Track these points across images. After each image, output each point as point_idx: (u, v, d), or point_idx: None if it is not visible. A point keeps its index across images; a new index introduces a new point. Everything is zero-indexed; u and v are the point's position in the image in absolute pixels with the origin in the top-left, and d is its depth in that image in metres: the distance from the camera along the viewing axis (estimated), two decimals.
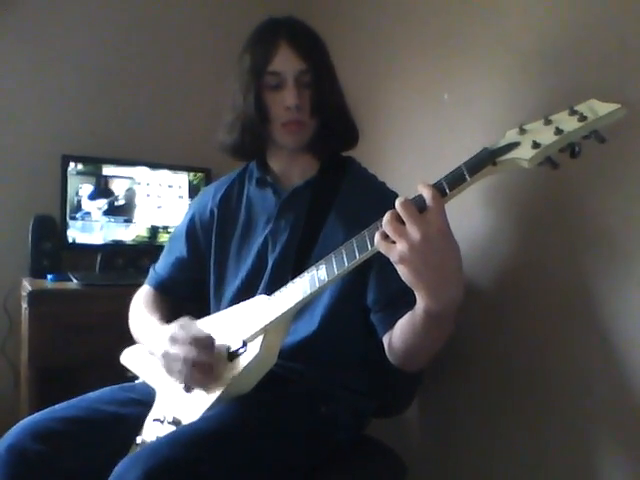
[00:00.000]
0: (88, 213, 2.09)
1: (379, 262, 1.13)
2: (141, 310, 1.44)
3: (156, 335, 1.27)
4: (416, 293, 0.95)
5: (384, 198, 1.28)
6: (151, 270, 1.54)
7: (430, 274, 0.90)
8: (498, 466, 1.49)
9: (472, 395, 1.57)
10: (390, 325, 1.19)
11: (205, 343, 1.16)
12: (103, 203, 2.11)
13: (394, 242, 0.90)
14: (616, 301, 1.24)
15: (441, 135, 1.69)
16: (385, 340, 1.22)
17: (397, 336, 1.15)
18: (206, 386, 1.18)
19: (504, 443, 1.48)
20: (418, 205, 0.90)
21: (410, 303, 1.01)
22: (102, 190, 2.12)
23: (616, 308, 1.24)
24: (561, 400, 1.34)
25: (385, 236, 0.92)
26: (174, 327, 1.21)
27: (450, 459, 1.64)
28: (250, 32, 1.35)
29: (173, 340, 1.18)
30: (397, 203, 0.90)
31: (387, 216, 0.91)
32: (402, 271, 0.91)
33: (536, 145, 0.81)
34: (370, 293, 1.26)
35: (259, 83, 1.29)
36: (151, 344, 1.28)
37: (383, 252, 0.92)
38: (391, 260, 0.92)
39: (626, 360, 1.22)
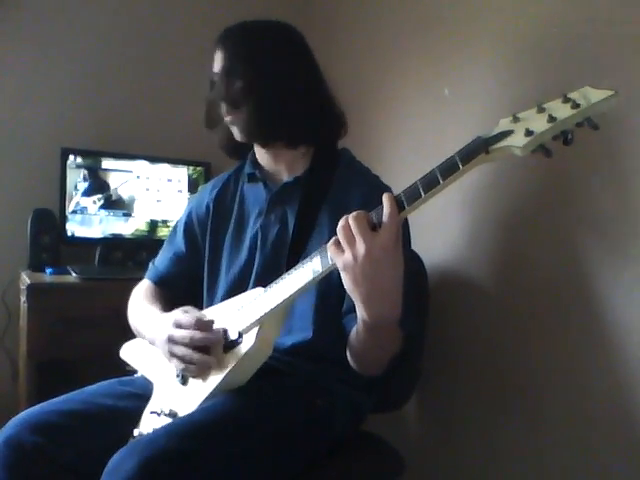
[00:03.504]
0: (86, 207, 2.09)
1: None
2: (141, 302, 1.44)
3: (158, 322, 1.27)
4: (354, 302, 1.01)
5: (375, 191, 1.27)
6: (150, 265, 1.55)
7: (366, 286, 0.96)
8: (496, 461, 1.49)
9: (470, 390, 1.57)
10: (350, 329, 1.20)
11: (209, 326, 1.18)
12: (100, 196, 2.11)
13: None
14: (614, 297, 1.23)
15: (441, 130, 1.68)
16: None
17: (349, 340, 1.18)
18: (205, 371, 1.18)
19: (502, 438, 1.48)
20: (377, 218, 0.96)
21: None
22: (100, 184, 2.11)
23: (614, 304, 1.23)
24: (559, 396, 1.34)
25: (338, 242, 0.97)
26: (177, 312, 1.23)
27: (448, 454, 1.64)
28: None
29: (178, 324, 1.19)
30: (350, 215, 0.96)
31: (341, 222, 0.97)
32: (344, 278, 0.98)
33: (529, 133, 0.81)
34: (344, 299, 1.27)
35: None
36: (152, 332, 1.28)
37: (331, 256, 0.99)
38: (337, 265, 0.98)
39: (625, 357, 1.21)
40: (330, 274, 1.21)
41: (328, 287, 1.26)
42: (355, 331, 1.13)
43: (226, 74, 1.31)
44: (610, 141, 1.20)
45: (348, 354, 1.20)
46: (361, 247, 0.93)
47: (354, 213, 0.96)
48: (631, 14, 1.20)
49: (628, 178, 1.21)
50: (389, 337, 1.10)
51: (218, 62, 1.33)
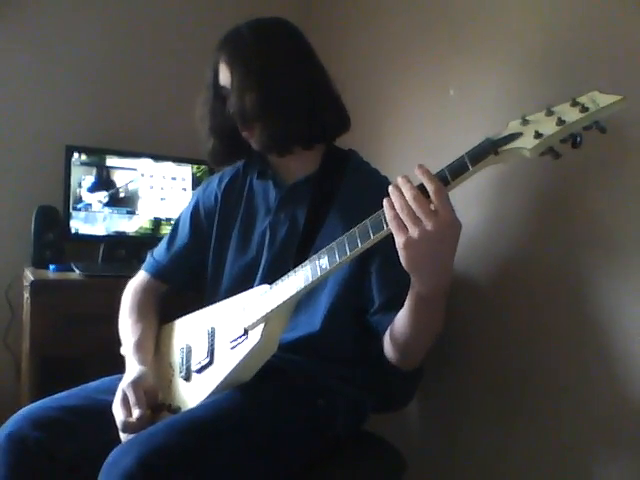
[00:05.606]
0: (91, 204, 2.10)
1: (378, 263, 1.22)
2: (129, 313, 1.42)
3: (126, 363, 1.28)
4: (412, 276, 1.01)
5: (386, 193, 1.28)
6: (149, 256, 1.54)
7: (428, 262, 0.96)
8: (498, 462, 1.49)
9: (473, 391, 1.56)
10: (388, 324, 1.20)
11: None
12: (105, 194, 2.12)
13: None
14: (616, 296, 1.23)
15: (446, 130, 1.68)
16: (385, 339, 1.22)
17: (394, 330, 1.17)
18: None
19: (504, 439, 1.47)
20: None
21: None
22: (105, 181, 2.12)
23: (616, 303, 1.23)
24: (561, 396, 1.34)
25: (395, 220, 0.95)
26: (127, 383, 1.19)
27: (449, 454, 1.63)
28: None
29: (124, 400, 1.16)
30: (408, 196, 0.93)
31: (400, 202, 0.94)
32: (404, 256, 0.96)
33: (538, 135, 0.82)
34: (370, 297, 1.27)
35: (218, 97, 1.34)
36: (126, 367, 1.27)
37: (393, 230, 0.95)
38: (396, 241, 0.95)
39: (625, 357, 1.22)
40: (351, 276, 1.25)
41: (348, 287, 1.27)
42: (404, 316, 1.12)
43: (240, 92, 1.27)
44: (618, 147, 1.20)
45: (391, 348, 1.20)
46: (429, 226, 0.91)
47: (412, 193, 0.93)
48: None
49: (632, 183, 1.21)
50: (440, 308, 1.10)
51: (226, 76, 1.31)
